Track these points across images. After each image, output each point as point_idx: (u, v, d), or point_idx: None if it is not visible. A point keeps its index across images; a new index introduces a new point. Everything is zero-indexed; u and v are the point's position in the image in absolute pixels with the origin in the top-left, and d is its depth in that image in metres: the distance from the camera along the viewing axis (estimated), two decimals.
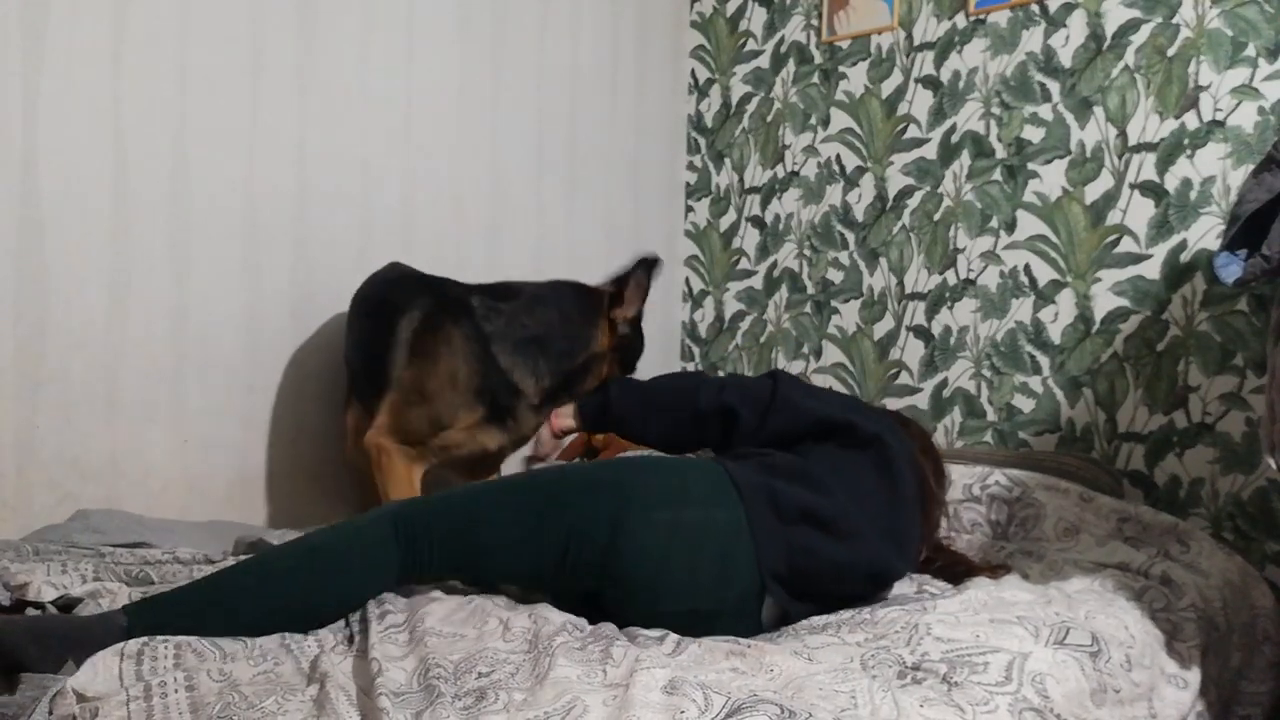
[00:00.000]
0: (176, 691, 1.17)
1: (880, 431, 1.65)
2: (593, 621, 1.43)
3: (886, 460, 1.62)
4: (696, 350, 3.28)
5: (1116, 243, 2.41)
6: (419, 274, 2.22)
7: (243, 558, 1.61)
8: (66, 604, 1.44)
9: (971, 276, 2.65)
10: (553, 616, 1.39)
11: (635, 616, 1.43)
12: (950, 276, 2.69)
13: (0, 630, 1.22)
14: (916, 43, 2.76)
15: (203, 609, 1.33)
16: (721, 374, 3.03)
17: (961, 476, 2.18)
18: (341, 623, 1.40)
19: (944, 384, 2.70)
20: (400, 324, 2.06)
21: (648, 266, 2.08)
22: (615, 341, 2.11)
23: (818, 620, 1.50)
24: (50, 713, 1.11)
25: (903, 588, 1.67)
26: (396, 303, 2.10)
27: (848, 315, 2.90)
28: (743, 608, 1.48)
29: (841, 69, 2.92)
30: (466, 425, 2.02)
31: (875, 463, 1.62)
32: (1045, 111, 2.52)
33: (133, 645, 1.23)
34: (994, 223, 2.61)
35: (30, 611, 1.41)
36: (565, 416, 1.94)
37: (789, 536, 1.48)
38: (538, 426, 2.05)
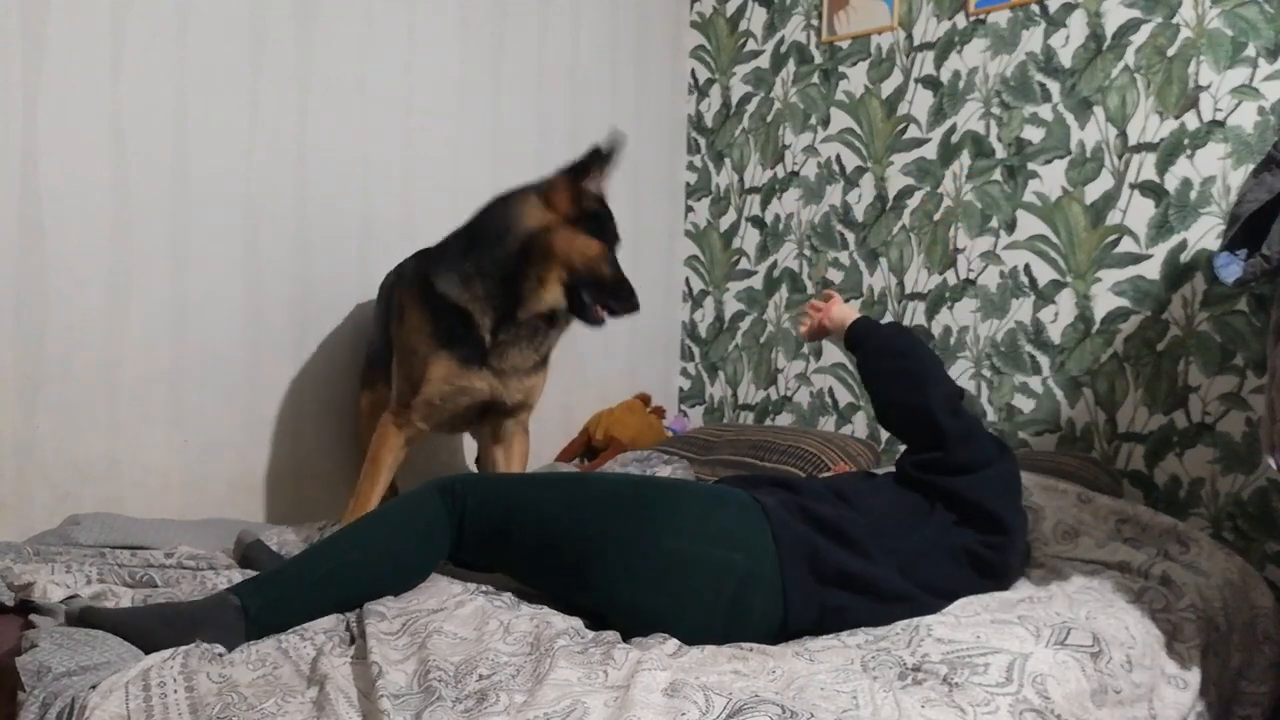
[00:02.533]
0: (176, 692, 1.17)
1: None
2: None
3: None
4: (696, 350, 3.28)
5: (1116, 243, 2.41)
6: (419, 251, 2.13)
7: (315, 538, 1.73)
8: (76, 621, 1.43)
9: (971, 276, 2.65)
10: (554, 620, 1.39)
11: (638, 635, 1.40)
12: (950, 276, 2.69)
13: (133, 618, 1.35)
14: (916, 43, 2.76)
15: (300, 585, 1.44)
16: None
17: None
18: (341, 625, 1.40)
19: None
20: (394, 299, 2.06)
21: (598, 150, 1.95)
22: (577, 213, 1.91)
23: None
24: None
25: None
26: (393, 281, 2.14)
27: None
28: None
29: (841, 69, 2.92)
30: (442, 375, 1.92)
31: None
32: (1045, 111, 2.52)
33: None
34: (994, 223, 2.61)
35: (33, 615, 1.41)
36: (843, 309, 1.89)
37: (823, 597, 1.43)
38: (515, 354, 1.93)
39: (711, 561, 1.42)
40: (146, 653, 1.29)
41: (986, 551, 1.57)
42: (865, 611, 1.44)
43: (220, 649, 1.29)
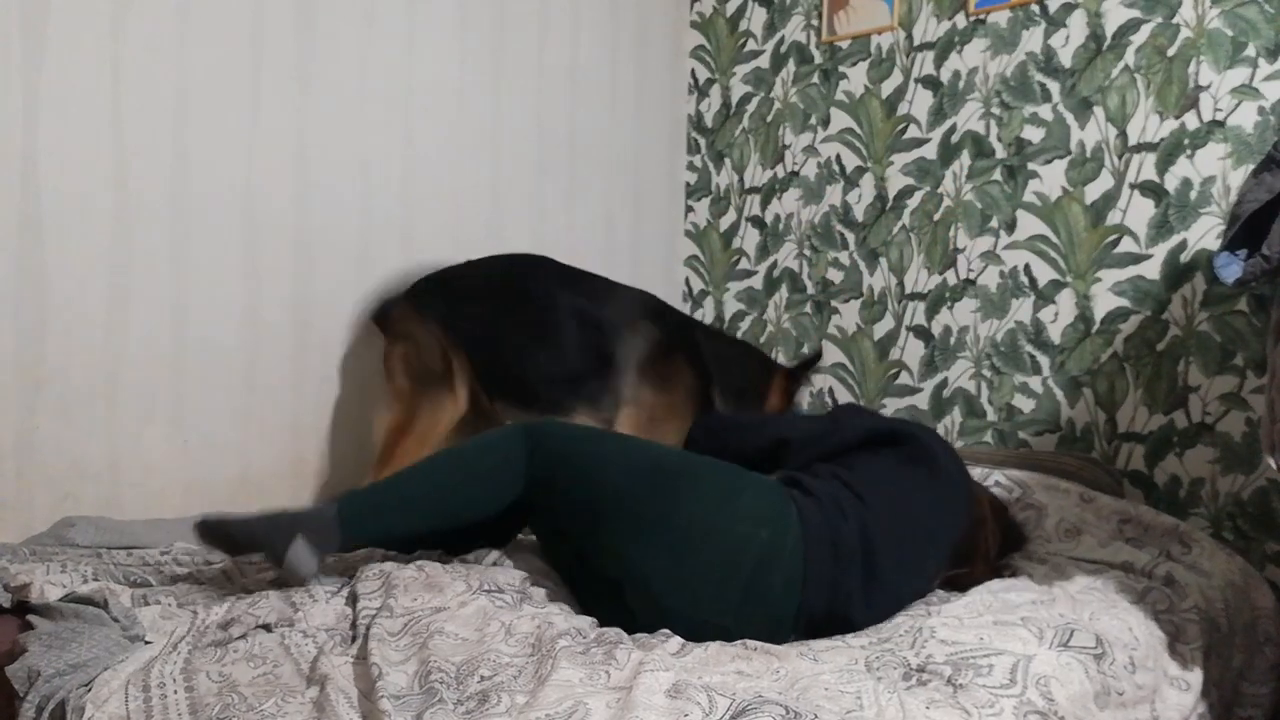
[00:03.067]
0: (176, 692, 1.17)
1: (931, 445, 1.69)
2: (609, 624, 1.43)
3: (936, 474, 1.65)
4: None
5: (1116, 243, 2.41)
6: (636, 292, 2.35)
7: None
8: (75, 600, 1.44)
9: (971, 276, 2.65)
10: (556, 620, 1.39)
11: (651, 616, 1.42)
12: (950, 276, 2.69)
13: (239, 524, 1.49)
14: (916, 43, 2.76)
15: (391, 496, 1.57)
16: None
17: None
18: (346, 624, 1.40)
19: (944, 384, 2.70)
20: (623, 343, 2.13)
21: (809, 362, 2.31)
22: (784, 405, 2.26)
23: None
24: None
25: None
26: (616, 321, 2.18)
27: (848, 315, 2.89)
28: (763, 636, 1.42)
29: (841, 69, 2.92)
30: None
31: (927, 478, 1.64)
32: (1045, 111, 2.52)
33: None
34: (994, 223, 2.61)
35: (30, 616, 1.41)
36: None
37: (837, 578, 1.46)
38: None
39: (735, 535, 1.45)
40: (249, 551, 1.49)
41: (908, 458, 1.66)
42: (864, 596, 1.48)
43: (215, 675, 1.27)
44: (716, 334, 2.41)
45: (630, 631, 1.40)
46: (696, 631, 1.39)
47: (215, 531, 1.50)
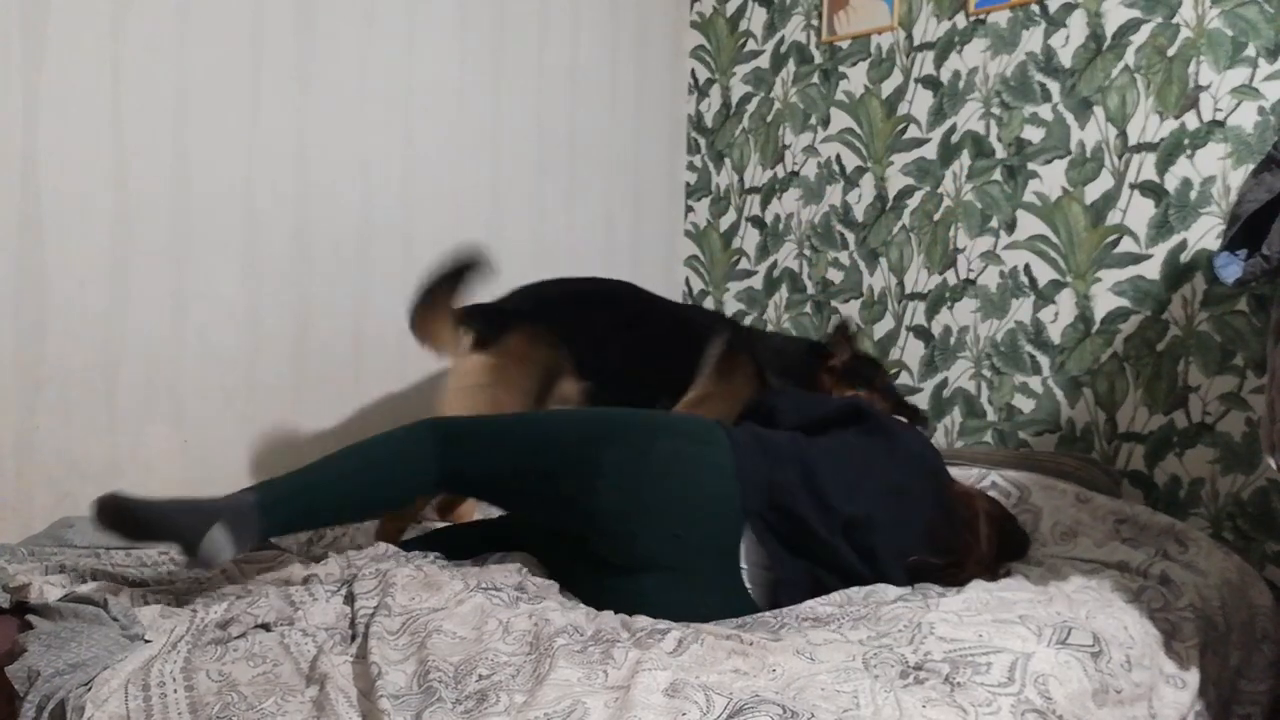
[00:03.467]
0: (175, 691, 1.17)
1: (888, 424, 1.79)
2: (587, 576, 1.54)
3: (894, 448, 1.73)
4: None
5: (1116, 243, 2.41)
6: (711, 311, 2.82)
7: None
8: (75, 599, 1.44)
9: (971, 276, 2.65)
10: (553, 617, 1.39)
11: (619, 555, 1.53)
12: (950, 276, 2.69)
13: (145, 508, 1.42)
14: (916, 43, 2.76)
15: (306, 483, 1.58)
16: None
17: (958, 478, 2.18)
18: (345, 623, 1.40)
19: (944, 384, 2.70)
20: (707, 344, 2.33)
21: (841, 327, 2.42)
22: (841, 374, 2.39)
23: (821, 610, 1.50)
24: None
25: (902, 586, 1.67)
26: (698, 334, 2.36)
27: (848, 315, 2.89)
28: (723, 540, 1.54)
29: (841, 69, 2.92)
30: None
31: (885, 450, 1.72)
32: (1045, 111, 2.52)
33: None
34: (994, 223, 2.61)
35: (30, 616, 1.41)
36: None
37: (771, 474, 1.56)
38: None
39: (670, 451, 1.58)
40: (168, 540, 1.41)
41: (866, 431, 1.77)
42: (810, 499, 1.56)
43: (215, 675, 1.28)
44: (772, 334, 2.68)
45: (606, 578, 1.53)
46: (663, 550, 1.51)
47: (117, 514, 1.42)
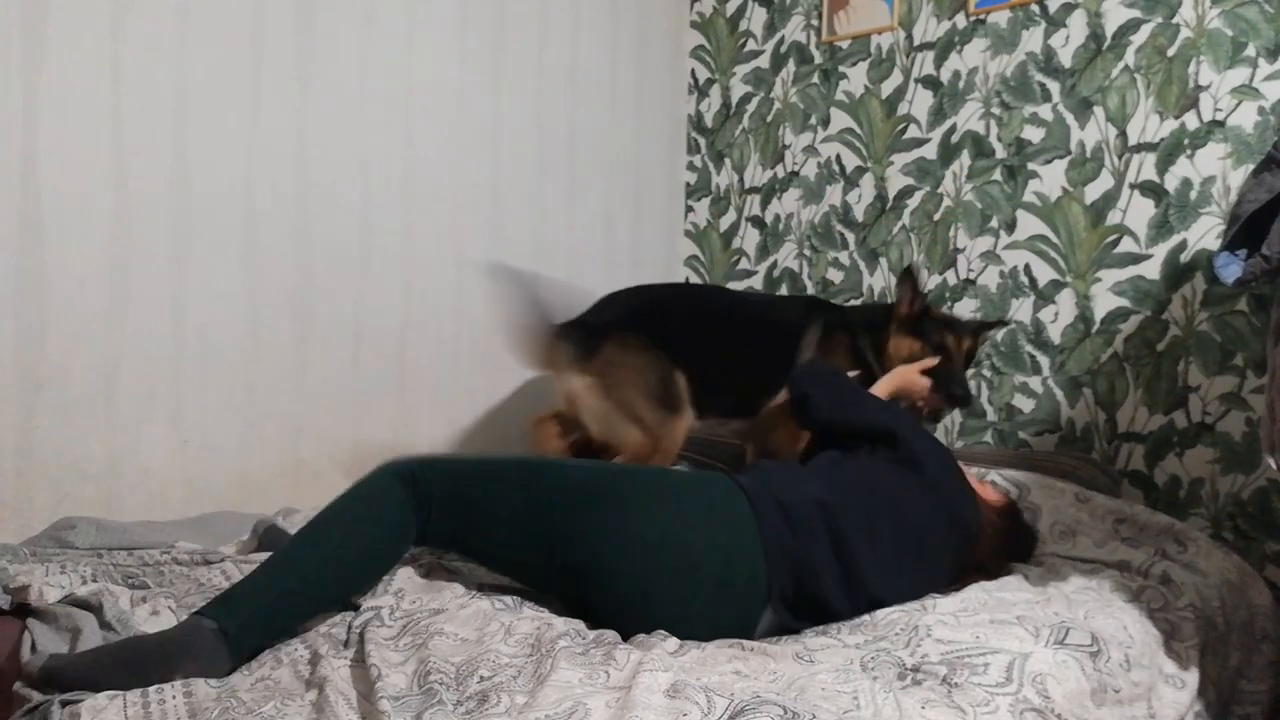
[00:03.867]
0: (175, 698, 1.16)
1: (927, 454, 1.69)
2: (591, 626, 1.43)
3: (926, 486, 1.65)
4: None
5: (1116, 243, 2.41)
6: (797, 296, 2.80)
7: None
8: (74, 602, 1.44)
9: (971, 276, 2.65)
10: (555, 621, 1.39)
11: (626, 626, 1.42)
12: (950, 276, 2.69)
13: (95, 665, 1.20)
14: (916, 43, 2.76)
15: (274, 595, 1.36)
16: None
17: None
18: (342, 627, 1.40)
19: None
20: (806, 333, 2.31)
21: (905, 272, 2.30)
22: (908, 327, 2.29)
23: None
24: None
25: None
26: (792, 322, 2.33)
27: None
28: (741, 622, 1.46)
29: (841, 69, 2.92)
30: None
31: (917, 486, 1.64)
32: (1045, 111, 2.52)
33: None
34: (994, 223, 2.61)
35: (30, 619, 1.41)
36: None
37: (798, 553, 1.46)
38: None
39: (692, 545, 1.44)
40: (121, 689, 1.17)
41: (897, 460, 1.67)
42: (835, 577, 1.49)
43: (214, 682, 1.22)
44: (865, 306, 2.71)
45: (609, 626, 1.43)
46: (675, 621, 1.41)
47: (56, 680, 1.19)
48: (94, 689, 1.17)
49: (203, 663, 1.24)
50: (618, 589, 1.44)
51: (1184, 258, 2.31)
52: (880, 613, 1.49)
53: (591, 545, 1.44)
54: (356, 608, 1.44)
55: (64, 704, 1.14)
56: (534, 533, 1.46)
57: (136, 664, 1.21)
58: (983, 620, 1.43)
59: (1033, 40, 2.54)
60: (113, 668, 1.20)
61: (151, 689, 1.16)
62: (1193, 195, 2.29)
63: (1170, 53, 2.32)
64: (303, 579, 1.38)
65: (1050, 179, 2.51)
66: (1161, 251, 2.34)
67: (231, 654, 1.28)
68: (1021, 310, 2.56)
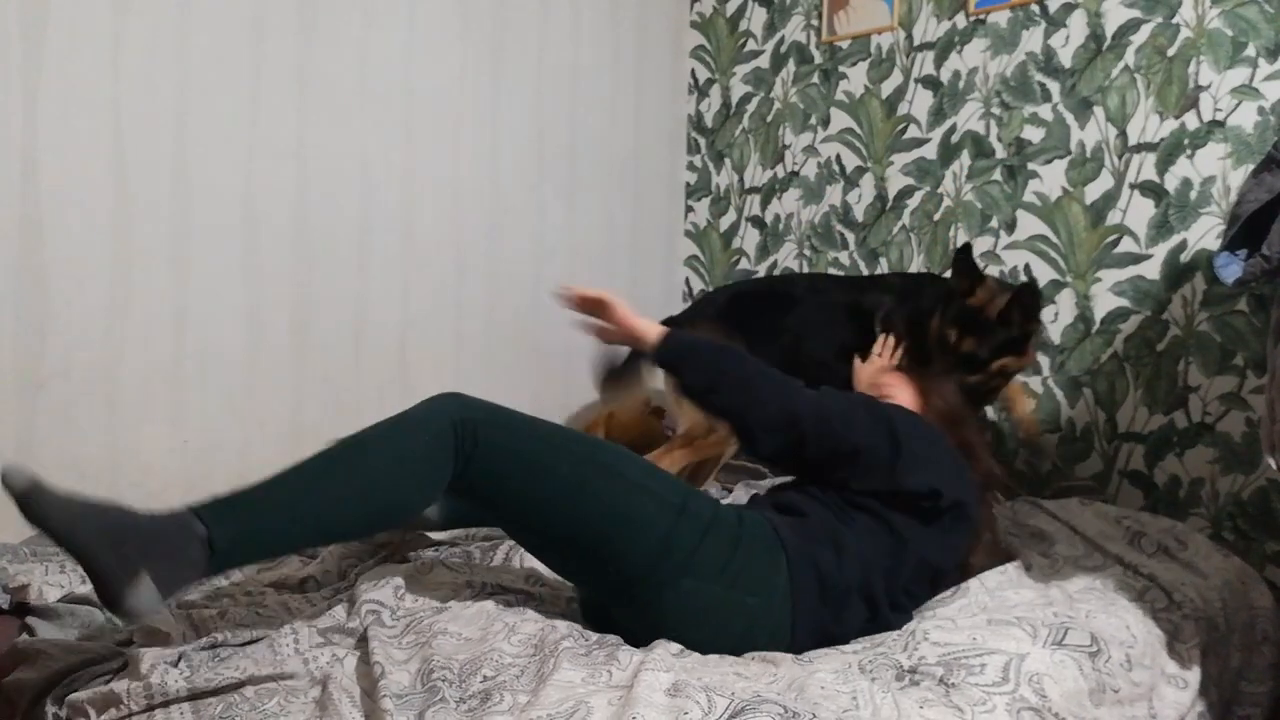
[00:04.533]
0: (178, 693, 1.17)
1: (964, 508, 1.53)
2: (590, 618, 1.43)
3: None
4: None
5: (1116, 243, 2.41)
6: (842, 277, 2.71)
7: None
8: (74, 600, 1.44)
9: None
10: (559, 623, 1.39)
11: (630, 635, 1.38)
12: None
13: (74, 529, 1.11)
14: (916, 43, 2.76)
15: (285, 518, 1.24)
16: None
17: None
18: (348, 624, 1.40)
19: None
20: (875, 320, 2.27)
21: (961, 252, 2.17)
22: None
23: None
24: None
25: None
26: (865, 306, 2.30)
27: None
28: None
29: (841, 69, 2.92)
30: None
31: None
32: (1045, 111, 2.52)
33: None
34: (994, 223, 2.61)
35: (30, 618, 1.41)
36: (642, 328, 1.58)
37: (824, 620, 1.41)
38: None
39: (725, 604, 1.36)
40: (86, 573, 1.11)
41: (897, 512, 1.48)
42: (859, 624, 1.44)
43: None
44: (933, 277, 2.54)
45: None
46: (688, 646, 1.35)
47: (30, 507, 1.12)
48: (61, 540, 1.10)
49: (176, 568, 1.13)
50: (636, 616, 1.38)
51: (1184, 258, 2.31)
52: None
53: (624, 574, 1.36)
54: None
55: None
56: (571, 513, 1.35)
57: (116, 539, 1.12)
58: (980, 621, 1.43)
59: (1033, 40, 2.54)
60: (92, 533, 1.12)
61: (154, 685, 1.15)
62: (1193, 195, 2.29)
63: (1170, 53, 2.33)
64: (325, 507, 1.26)
65: (1050, 179, 2.51)
66: (1161, 251, 2.34)
67: (211, 568, 1.19)
68: None
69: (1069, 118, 2.48)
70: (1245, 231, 1.59)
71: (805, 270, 3.00)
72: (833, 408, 1.52)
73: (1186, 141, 2.30)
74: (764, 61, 3.11)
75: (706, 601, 1.36)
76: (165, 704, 1.14)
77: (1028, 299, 2.06)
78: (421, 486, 1.33)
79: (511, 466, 1.36)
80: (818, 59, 2.98)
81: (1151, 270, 2.36)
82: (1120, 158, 2.40)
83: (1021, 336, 2.09)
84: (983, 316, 2.08)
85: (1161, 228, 2.34)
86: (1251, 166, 1.94)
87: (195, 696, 1.16)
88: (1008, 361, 2.10)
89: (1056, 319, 2.50)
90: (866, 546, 1.44)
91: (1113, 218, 2.41)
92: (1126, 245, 2.39)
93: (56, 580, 1.56)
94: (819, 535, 1.43)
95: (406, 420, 1.35)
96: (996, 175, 2.60)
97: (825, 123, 2.96)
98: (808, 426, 1.48)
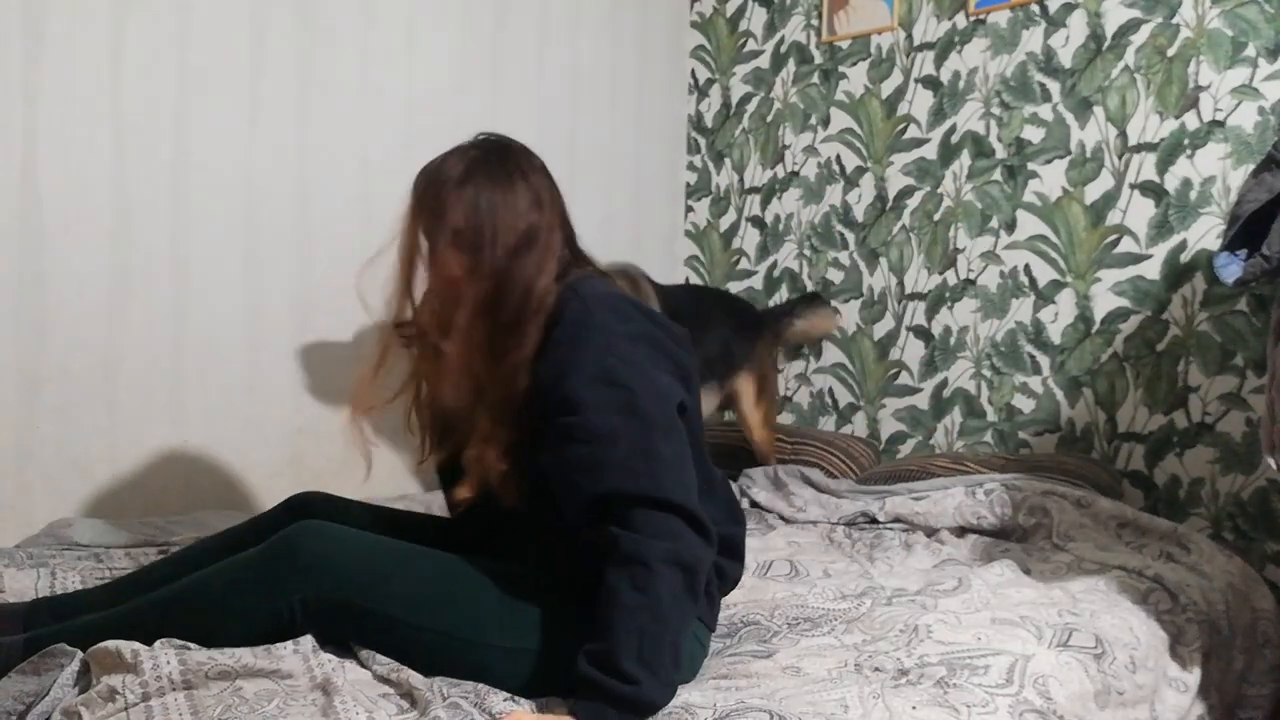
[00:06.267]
0: (176, 697, 1.16)
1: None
2: None
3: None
4: None
5: (1116, 243, 2.41)
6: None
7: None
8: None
9: (971, 276, 2.65)
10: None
11: None
12: (950, 276, 2.69)
13: None
14: (916, 43, 2.76)
15: (106, 617, 1.28)
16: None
17: (959, 480, 2.19)
18: None
19: (944, 384, 2.70)
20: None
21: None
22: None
23: (813, 607, 1.50)
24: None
25: (903, 581, 1.67)
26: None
27: (848, 315, 2.90)
28: None
29: (841, 69, 2.92)
30: None
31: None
32: (1045, 111, 2.52)
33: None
34: (994, 223, 2.61)
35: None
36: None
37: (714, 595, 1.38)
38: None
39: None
40: None
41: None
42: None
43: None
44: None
45: None
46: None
47: None
48: None
49: None
50: None
51: (1184, 258, 2.31)
52: (879, 610, 1.48)
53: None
54: None
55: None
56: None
57: None
58: (984, 619, 1.43)
59: (1033, 40, 2.54)
60: None
61: (152, 689, 1.15)
62: (1193, 195, 2.29)
63: (1170, 53, 2.32)
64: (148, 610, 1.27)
65: (1050, 179, 2.51)
66: (1161, 251, 2.34)
67: (19, 658, 1.21)
68: (1021, 310, 2.56)
69: (1069, 118, 2.48)
70: (1245, 231, 1.59)
71: (805, 270, 3.00)
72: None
73: (1186, 141, 2.30)
74: (764, 61, 3.11)
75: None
76: (161, 693, 1.13)
77: None
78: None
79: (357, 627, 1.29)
80: (818, 59, 2.98)
81: (1151, 270, 2.36)
82: (1120, 158, 2.40)
83: None
84: None
85: (1161, 228, 2.34)
86: (1251, 166, 1.95)
87: (190, 686, 1.15)
88: None
89: (1057, 319, 2.50)
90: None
91: (1113, 218, 2.41)
92: (1126, 245, 2.39)
93: (46, 586, 1.55)
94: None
95: (249, 583, 1.28)
96: (996, 175, 2.60)
97: (825, 123, 2.96)
98: (698, 550, 1.22)
